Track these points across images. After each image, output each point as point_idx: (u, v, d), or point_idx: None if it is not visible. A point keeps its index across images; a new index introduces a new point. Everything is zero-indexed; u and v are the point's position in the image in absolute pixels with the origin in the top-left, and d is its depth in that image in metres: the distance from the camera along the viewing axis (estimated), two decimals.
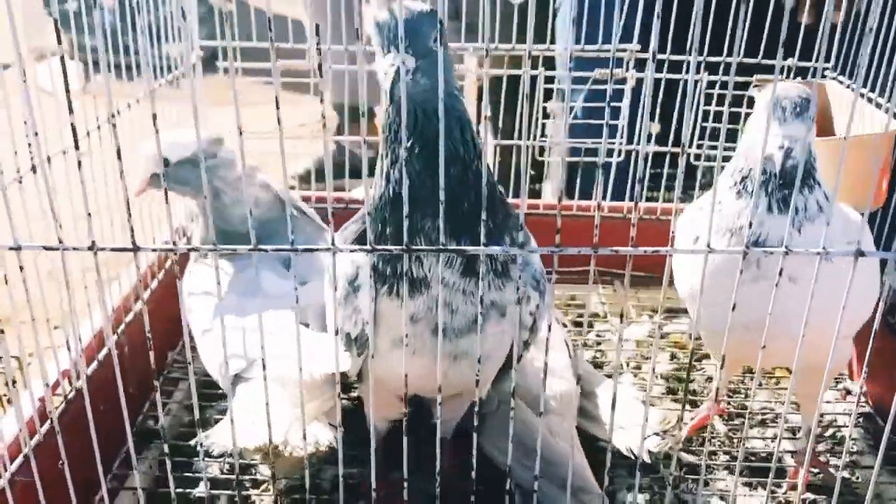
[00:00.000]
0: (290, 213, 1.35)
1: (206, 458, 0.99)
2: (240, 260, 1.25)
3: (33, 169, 1.02)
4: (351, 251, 0.84)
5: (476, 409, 0.90)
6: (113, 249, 0.80)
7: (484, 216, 0.80)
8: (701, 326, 1.21)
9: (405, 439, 0.91)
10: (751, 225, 0.89)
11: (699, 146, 1.74)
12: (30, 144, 0.99)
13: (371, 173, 1.78)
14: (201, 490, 1.18)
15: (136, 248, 0.79)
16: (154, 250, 0.81)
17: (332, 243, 0.81)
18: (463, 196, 0.85)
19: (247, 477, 1.22)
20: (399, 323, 0.88)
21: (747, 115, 1.70)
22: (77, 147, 0.76)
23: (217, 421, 1.28)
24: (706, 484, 1.23)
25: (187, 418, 1.32)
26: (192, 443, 1.05)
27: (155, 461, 1.24)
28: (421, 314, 0.88)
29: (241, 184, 1.25)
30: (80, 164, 0.76)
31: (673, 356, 1.56)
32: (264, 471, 1.22)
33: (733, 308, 0.84)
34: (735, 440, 1.33)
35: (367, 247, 0.81)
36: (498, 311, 0.91)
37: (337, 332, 0.86)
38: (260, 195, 1.27)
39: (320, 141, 2.89)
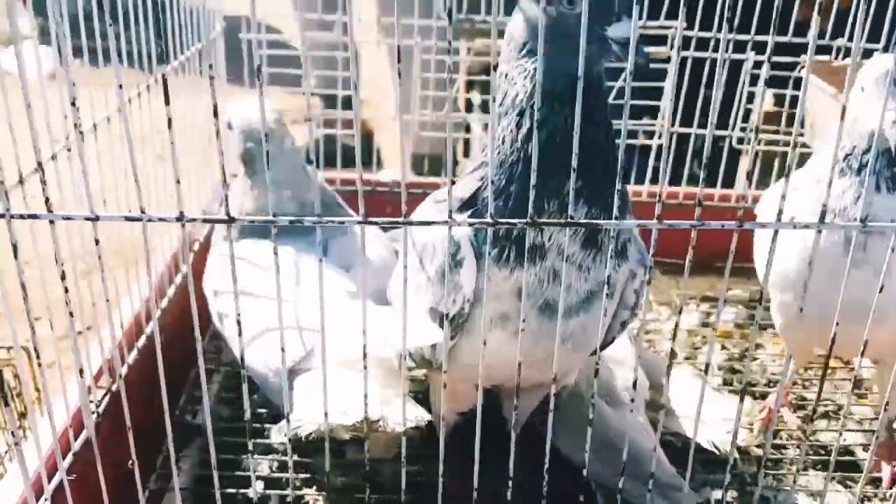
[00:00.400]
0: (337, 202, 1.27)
1: (285, 441, 0.89)
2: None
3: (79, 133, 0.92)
4: (470, 225, 0.75)
5: (594, 398, 0.82)
6: (205, 220, 0.70)
7: (619, 186, 0.73)
8: (784, 313, 1.14)
9: (513, 436, 0.83)
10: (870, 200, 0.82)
11: (742, 129, 1.67)
12: (75, 104, 0.88)
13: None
14: (259, 488, 1.09)
15: (230, 220, 0.69)
16: (252, 221, 0.71)
17: (450, 216, 0.72)
18: (598, 161, 0.77)
19: (301, 475, 1.12)
20: (505, 298, 0.80)
21: (793, 97, 1.66)
22: (167, 102, 0.66)
23: (263, 414, 1.19)
24: (780, 480, 1.17)
25: (226, 412, 1.22)
26: (274, 430, 0.94)
27: (198, 460, 1.14)
28: (531, 288, 0.80)
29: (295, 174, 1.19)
30: (170, 122, 0.67)
31: (723, 346, 1.50)
32: (317, 467, 1.13)
33: (867, 291, 0.78)
34: (807, 433, 1.27)
35: (488, 220, 0.73)
36: (609, 290, 0.83)
37: (447, 317, 0.77)
38: (307, 196, 1.20)
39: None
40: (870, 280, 0.98)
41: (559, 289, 0.77)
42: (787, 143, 1.67)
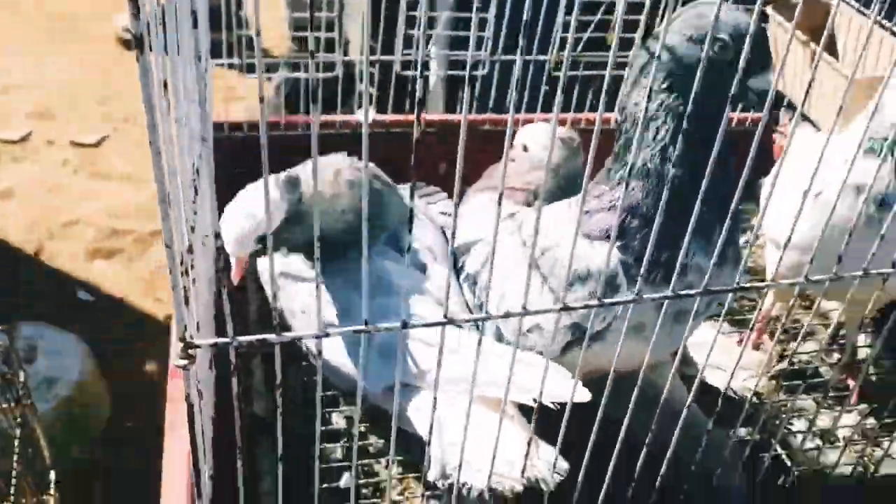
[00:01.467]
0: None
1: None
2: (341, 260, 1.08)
3: None
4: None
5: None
6: None
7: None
8: (794, 271, 1.20)
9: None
10: None
11: None
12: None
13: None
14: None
15: None
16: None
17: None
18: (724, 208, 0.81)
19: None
20: (645, 311, 0.87)
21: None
22: None
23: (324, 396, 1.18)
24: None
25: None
26: (430, 474, 0.94)
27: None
28: (671, 300, 0.85)
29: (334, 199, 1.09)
30: None
31: None
32: None
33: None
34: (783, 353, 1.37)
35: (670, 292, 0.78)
36: None
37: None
38: (347, 203, 1.10)
39: None
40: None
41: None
42: None
